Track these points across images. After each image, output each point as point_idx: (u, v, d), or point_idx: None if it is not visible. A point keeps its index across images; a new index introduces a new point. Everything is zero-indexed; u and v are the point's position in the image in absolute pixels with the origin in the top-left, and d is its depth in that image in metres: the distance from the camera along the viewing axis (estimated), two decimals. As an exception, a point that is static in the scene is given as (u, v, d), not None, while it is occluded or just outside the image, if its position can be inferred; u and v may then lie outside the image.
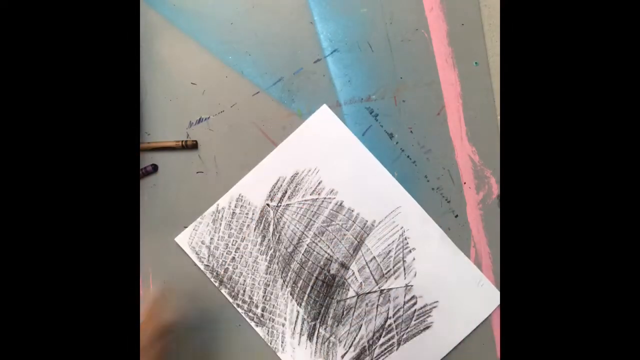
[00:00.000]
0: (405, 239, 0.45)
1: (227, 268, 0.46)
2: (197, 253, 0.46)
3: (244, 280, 0.46)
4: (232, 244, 0.46)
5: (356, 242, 0.45)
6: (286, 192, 0.46)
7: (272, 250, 0.46)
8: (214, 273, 0.46)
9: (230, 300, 0.46)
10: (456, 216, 0.45)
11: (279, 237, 0.46)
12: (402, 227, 0.45)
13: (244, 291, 0.46)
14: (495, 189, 0.45)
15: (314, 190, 0.45)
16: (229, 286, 0.46)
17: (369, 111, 0.46)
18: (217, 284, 0.46)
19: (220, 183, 0.46)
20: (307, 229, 0.45)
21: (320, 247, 0.45)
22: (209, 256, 0.46)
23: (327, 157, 0.45)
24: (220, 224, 0.46)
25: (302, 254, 0.45)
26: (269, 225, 0.46)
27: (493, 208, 0.45)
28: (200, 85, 0.47)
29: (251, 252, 0.46)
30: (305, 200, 0.45)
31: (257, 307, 0.46)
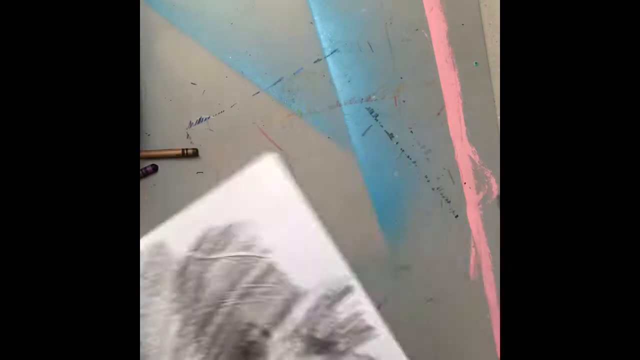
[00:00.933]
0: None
1: None
2: None
3: (150, 342, 0.40)
4: (144, 298, 0.41)
5: (283, 309, 0.42)
6: (216, 244, 0.41)
7: (188, 309, 0.41)
8: None
9: None
10: (456, 216, 0.45)
11: (198, 295, 0.41)
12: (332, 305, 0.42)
13: (147, 357, 0.40)
14: (495, 189, 0.45)
15: (246, 246, 0.42)
16: None
17: (369, 111, 0.46)
18: None
19: (220, 183, 0.46)
20: (231, 289, 0.41)
21: (244, 310, 0.41)
22: None
23: (267, 212, 0.42)
24: None
25: (222, 316, 0.41)
26: (189, 280, 0.41)
27: (493, 208, 0.45)
28: (200, 85, 0.47)
29: (163, 310, 0.41)
30: (235, 256, 0.41)
31: None
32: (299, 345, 0.42)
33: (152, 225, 0.47)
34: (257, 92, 0.46)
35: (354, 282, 0.42)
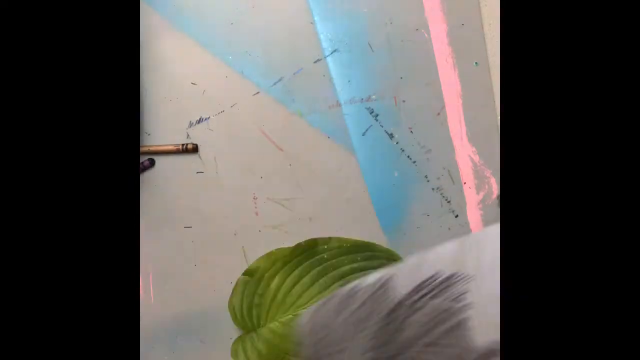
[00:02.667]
0: None
1: (332, 355, 0.37)
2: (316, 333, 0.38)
3: None
4: (350, 332, 0.37)
5: None
6: (432, 291, 0.37)
7: (379, 351, 0.36)
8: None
9: None
10: (456, 216, 0.45)
11: (393, 337, 0.37)
12: None
13: None
14: (495, 189, 0.45)
15: (455, 299, 0.36)
16: None
17: (369, 111, 0.46)
18: None
19: (220, 183, 0.46)
20: (424, 336, 0.36)
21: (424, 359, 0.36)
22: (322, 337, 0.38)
23: (487, 271, 0.36)
24: (350, 306, 0.38)
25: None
26: (393, 323, 0.37)
27: (493, 208, 0.45)
28: (200, 85, 0.47)
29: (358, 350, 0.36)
30: (441, 306, 0.36)
31: None
32: None
33: (152, 226, 0.47)
34: (257, 92, 0.46)
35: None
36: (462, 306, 0.36)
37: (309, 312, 0.39)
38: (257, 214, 0.47)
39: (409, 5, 0.45)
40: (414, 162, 0.46)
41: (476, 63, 0.45)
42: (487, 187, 0.45)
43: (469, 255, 0.37)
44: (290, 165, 0.46)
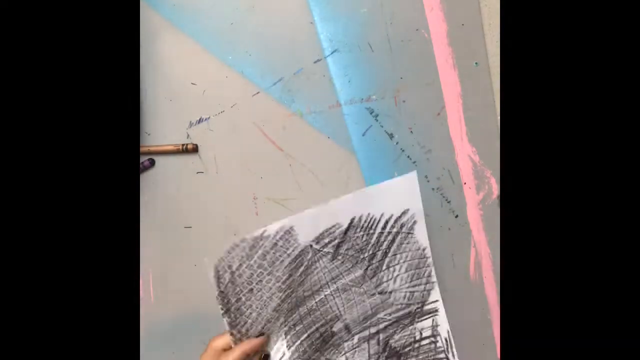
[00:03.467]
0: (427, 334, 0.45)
1: (240, 298, 0.43)
2: (218, 278, 0.42)
3: (250, 314, 0.43)
4: (258, 276, 0.43)
5: (370, 312, 0.44)
6: (335, 240, 0.43)
7: (291, 290, 0.43)
8: (225, 300, 0.42)
9: (227, 327, 0.43)
10: (456, 216, 0.45)
11: (303, 279, 0.44)
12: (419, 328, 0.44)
13: (244, 323, 0.43)
14: (495, 189, 0.45)
15: (359, 249, 0.44)
16: (232, 316, 0.43)
17: (369, 111, 0.46)
18: (222, 311, 0.42)
19: (220, 183, 0.46)
20: (332, 281, 0.44)
21: (335, 303, 0.44)
22: (228, 282, 0.42)
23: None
24: (257, 252, 0.43)
25: (316, 302, 0.44)
26: (302, 265, 0.43)
27: (493, 208, 0.45)
28: (200, 85, 0.47)
29: (271, 287, 0.43)
30: (347, 254, 0.44)
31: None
32: (374, 348, 0.44)
33: (152, 226, 0.47)
34: (257, 92, 0.46)
35: (441, 305, 0.45)
36: (370, 259, 0.43)
37: (211, 260, 0.41)
38: (257, 214, 0.47)
39: (409, 5, 0.45)
40: (414, 162, 0.46)
41: (476, 63, 0.45)
42: (487, 187, 0.45)
43: (363, 208, 0.43)
44: (290, 165, 0.46)
